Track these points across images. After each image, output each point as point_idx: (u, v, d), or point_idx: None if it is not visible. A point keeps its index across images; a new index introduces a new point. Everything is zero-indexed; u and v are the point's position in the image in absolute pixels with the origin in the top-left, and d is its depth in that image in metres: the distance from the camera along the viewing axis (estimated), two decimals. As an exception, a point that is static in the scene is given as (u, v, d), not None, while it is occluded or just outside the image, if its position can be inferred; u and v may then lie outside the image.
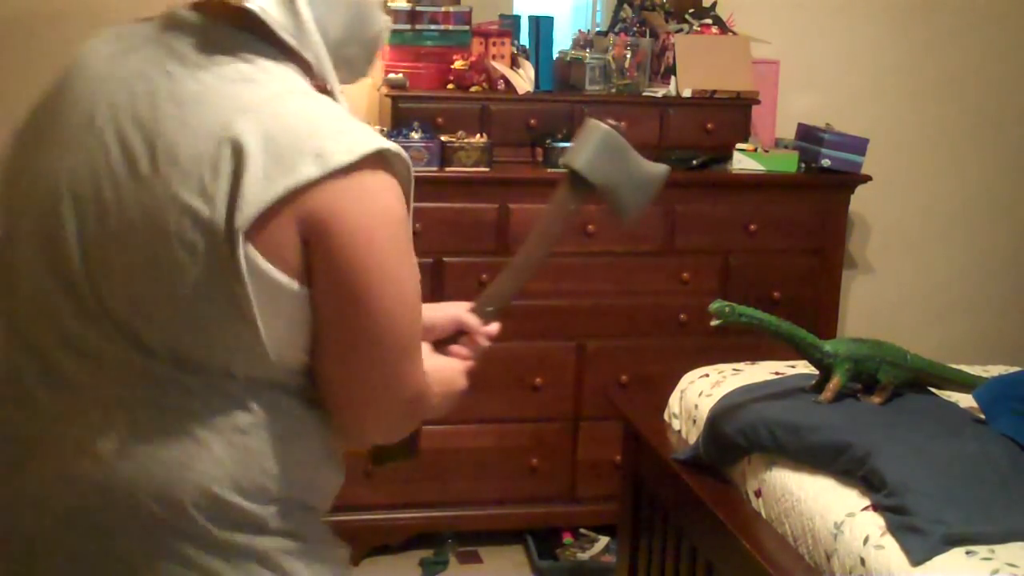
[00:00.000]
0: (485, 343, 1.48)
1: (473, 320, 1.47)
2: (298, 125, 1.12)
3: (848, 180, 3.30)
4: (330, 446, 1.28)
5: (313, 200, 1.11)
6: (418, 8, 3.16)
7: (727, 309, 2.03)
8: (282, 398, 1.20)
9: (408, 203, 1.21)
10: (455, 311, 1.48)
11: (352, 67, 1.30)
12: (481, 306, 1.51)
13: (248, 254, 1.10)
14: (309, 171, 1.10)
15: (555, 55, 3.34)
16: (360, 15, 1.26)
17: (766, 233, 3.24)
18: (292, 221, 1.11)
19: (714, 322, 2.02)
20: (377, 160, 1.15)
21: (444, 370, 1.39)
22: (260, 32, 1.17)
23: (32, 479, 1.19)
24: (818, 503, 1.82)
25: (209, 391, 1.16)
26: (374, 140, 1.15)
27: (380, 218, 1.15)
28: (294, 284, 1.13)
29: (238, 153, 1.10)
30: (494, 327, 1.50)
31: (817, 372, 2.10)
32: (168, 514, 1.15)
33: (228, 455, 1.16)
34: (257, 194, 1.09)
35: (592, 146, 1.49)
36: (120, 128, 1.14)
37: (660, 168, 1.56)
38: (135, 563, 1.17)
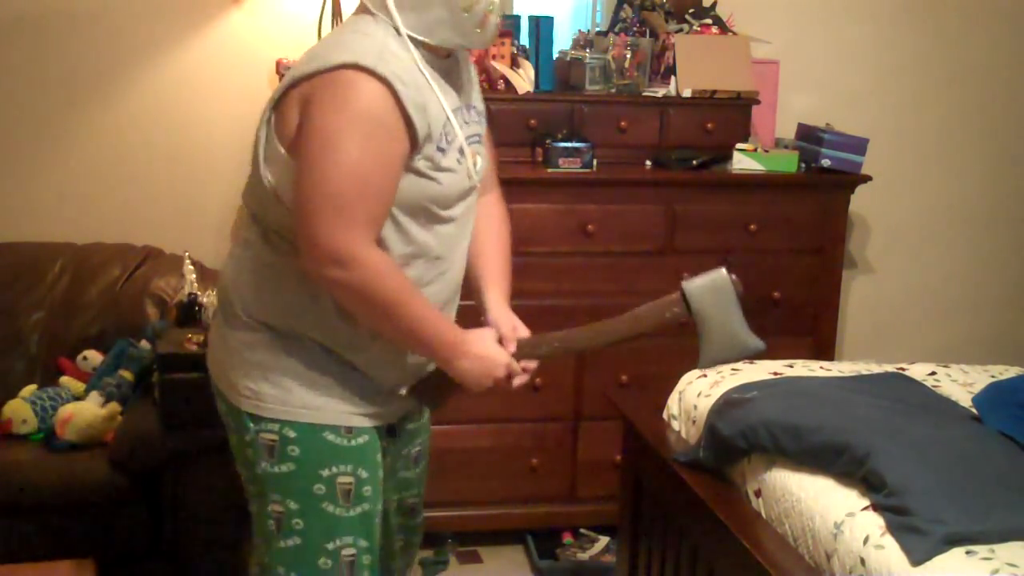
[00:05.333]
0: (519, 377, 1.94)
1: (511, 343, 1.90)
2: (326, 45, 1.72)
3: (848, 180, 3.29)
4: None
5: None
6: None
7: None
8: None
9: (404, 109, 1.62)
10: (508, 327, 1.91)
11: (448, 28, 1.70)
12: (522, 348, 1.87)
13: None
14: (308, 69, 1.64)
15: (555, 55, 3.34)
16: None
17: (766, 233, 3.24)
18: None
19: None
20: (357, 67, 1.59)
21: (486, 349, 1.89)
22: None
23: None
24: (818, 503, 1.82)
25: None
26: (356, 57, 1.60)
27: (340, 102, 1.60)
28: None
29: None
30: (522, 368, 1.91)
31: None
32: None
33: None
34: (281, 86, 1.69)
35: (708, 281, 1.81)
36: None
37: (754, 341, 1.80)
38: None
